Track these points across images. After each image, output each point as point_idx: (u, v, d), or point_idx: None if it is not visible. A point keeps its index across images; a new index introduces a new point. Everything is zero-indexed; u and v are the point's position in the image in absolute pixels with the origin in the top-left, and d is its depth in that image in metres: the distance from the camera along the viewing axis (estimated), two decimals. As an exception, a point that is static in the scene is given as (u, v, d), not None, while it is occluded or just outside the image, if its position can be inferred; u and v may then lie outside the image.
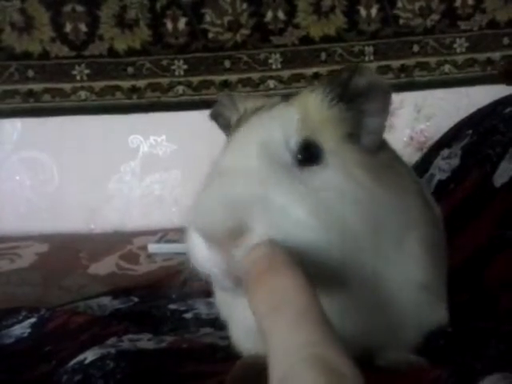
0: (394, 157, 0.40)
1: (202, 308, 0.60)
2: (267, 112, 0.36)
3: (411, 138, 1.16)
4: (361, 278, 0.33)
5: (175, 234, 1.00)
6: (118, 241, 1.05)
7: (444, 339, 0.39)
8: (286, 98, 0.39)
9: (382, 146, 0.38)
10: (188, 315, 0.60)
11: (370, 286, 0.34)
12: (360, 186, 0.34)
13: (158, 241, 0.99)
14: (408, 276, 0.36)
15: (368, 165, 0.35)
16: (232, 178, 0.30)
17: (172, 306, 0.62)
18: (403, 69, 1.18)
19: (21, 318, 0.56)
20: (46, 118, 1.23)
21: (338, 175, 0.33)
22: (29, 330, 0.54)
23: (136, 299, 0.65)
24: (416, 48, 1.18)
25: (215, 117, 0.42)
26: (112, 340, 0.47)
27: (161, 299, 0.65)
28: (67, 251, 1.02)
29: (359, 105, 0.36)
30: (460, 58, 1.17)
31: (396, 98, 1.16)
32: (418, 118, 1.17)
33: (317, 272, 0.28)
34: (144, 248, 0.99)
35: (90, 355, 0.44)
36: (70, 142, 1.23)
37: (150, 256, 0.96)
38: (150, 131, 1.23)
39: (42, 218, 1.20)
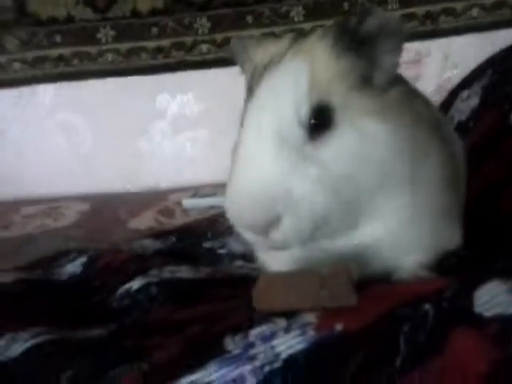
0: (407, 90, 0.41)
1: (234, 244, 0.65)
2: (275, 77, 0.38)
3: (440, 87, 1.16)
4: (378, 213, 0.38)
5: (208, 190, 1.04)
6: (153, 198, 1.10)
7: (457, 259, 0.42)
8: (297, 41, 0.40)
9: (396, 81, 0.40)
10: (222, 251, 0.65)
11: (386, 217, 0.39)
12: (370, 140, 0.37)
13: (192, 196, 1.04)
14: (421, 201, 0.39)
15: (378, 108, 0.38)
16: (255, 175, 0.36)
17: (207, 244, 0.68)
18: (428, 15, 1.16)
19: (71, 258, 0.61)
20: (76, 82, 1.26)
21: (348, 135, 0.37)
22: (80, 268, 0.59)
23: (174, 239, 0.70)
24: (441, -7, 1.15)
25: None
26: (154, 271, 0.52)
27: (197, 238, 0.70)
28: (107, 209, 1.07)
29: (371, 48, 0.38)
30: (488, 1, 1.15)
31: (422, 46, 1.15)
32: (445, 65, 1.16)
33: (339, 225, 0.37)
34: (179, 203, 1.04)
35: (135, 284, 0.50)
36: (100, 103, 1.26)
37: (185, 211, 1.01)
38: (176, 90, 1.25)
39: (79, 179, 1.26)
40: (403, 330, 0.30)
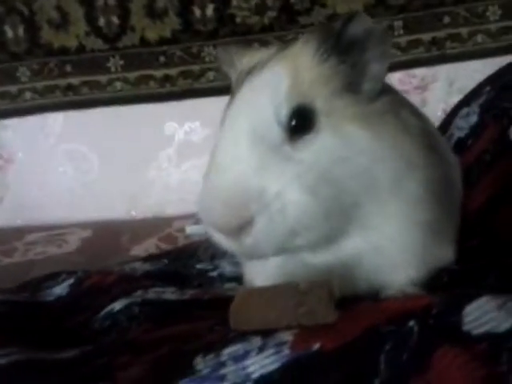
0: (396, 100, 0.40)
1: (226, 267, 0.63)
2: (257, 78, 0.37)
3: (446, 112, 1.14)
4: (360, 224, 0.36)
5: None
6: (157, 225, 1.09)
7: (448, 276, 0.40)
8: (283, 47, 0.39)
9: (384, 90, 0.39)
10: (213, 273, 0.63)
11: (369, 229, 0.37)
12: (353, 145, 0.35)
13: (196, 222, 1.02)
14: (408, 214, 0.37)
15: (363, 115, 0.36)
16: (229, 172, 0.34)
17: (199, 266, 0.66)
18: (434, 42, 1.16)
19: (60, 280, 0.60)
20: (85, 110, 1.28)
21: (330, 140, 0.35)
22: (67, 290, 0.58)
23: (166, 261, 0.69)
24: (447, 19, 1.15)
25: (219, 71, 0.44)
26: (139, 292, 0.51)
27: (188, 260, 0.68)
28: (109, 236, 1.06)
29: (356, 54, 0.37)
30: (493, 27, 1.14)
31: (428, 71, 1.14)
32: (451, 91, 1.15)
33: (318, 234, 0.34)
34: (182, 230, 1.02)
35: (117, 305, 0.48)
36: (108, 132, 1.27)
37: (188, 237, 0.99)
38: (184, 118, 1.26)
39: (85, 206, 1.26)
40: (385, 348, 0.28)
